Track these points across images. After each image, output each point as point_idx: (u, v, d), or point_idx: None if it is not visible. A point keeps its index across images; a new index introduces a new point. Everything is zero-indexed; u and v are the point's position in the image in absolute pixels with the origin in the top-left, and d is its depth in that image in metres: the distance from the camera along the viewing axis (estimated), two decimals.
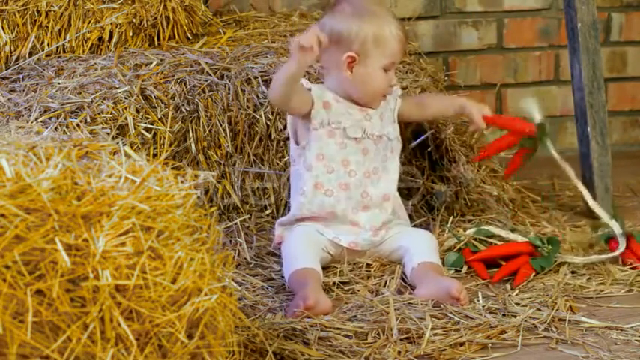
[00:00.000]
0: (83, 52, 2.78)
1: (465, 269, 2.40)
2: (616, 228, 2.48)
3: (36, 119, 2.51)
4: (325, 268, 2.37)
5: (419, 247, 2.36)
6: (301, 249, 2.31)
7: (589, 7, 2.77)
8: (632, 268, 2.39)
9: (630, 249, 2.44)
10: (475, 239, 2.46)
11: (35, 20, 2.76)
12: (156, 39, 2.83)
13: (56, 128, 2.50)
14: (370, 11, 2.38)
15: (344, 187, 2.39)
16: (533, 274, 2.34)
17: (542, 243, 2.41)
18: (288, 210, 2.52)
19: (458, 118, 2.63)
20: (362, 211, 2.40)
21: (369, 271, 2.37)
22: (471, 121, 2.49)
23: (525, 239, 2.44)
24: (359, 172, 2.40)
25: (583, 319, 2.12)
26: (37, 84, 2.66)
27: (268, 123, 2.61)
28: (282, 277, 2.34)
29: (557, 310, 2.14)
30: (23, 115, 2.54)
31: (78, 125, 2.51)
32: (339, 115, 2.40)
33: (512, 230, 2.53)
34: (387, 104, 2.46)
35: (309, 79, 2.57)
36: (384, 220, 2.42)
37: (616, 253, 2.42)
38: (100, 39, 2.78)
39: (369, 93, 2.40)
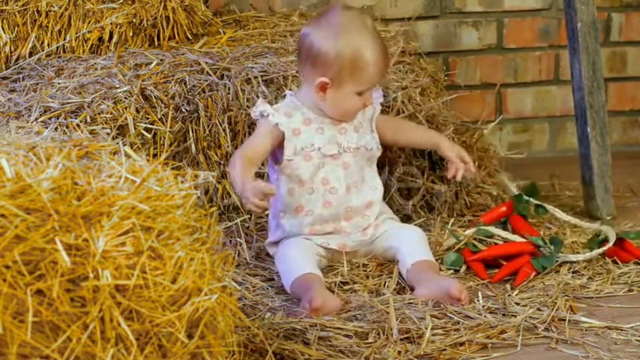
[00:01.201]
0: (83, 52, 2.77)
1: (464, 269, 2.40)
2: (609, 230, 2.49)
3: (36, 119, 2.51)
4: (323, 269, 2.36)
5: (409, 247, 2.35)
6: (297, 257, 2.30)
7: (589, 7, 2.77)
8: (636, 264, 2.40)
9: (624, 248, 2.45)
10: (475, 239, 2.46)
11: (35, 20, 2.76)
12: (156, 39, 2.83)
13: (56, 128, 2.49)
14: (353, 31, 2.29)
15: (327, 204, 2.38)
16: (534, 274, 2.34)
17: (544, 243, 2.40)
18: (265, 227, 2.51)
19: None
20: (345, 221, 2.40)
21: (366, 270, 2.36)
22: (450, 164, 2.48)
23: (525, 239, 2.44)
24: (340, 188, 2.38)
25: (583, 319, 2.12)
26: (37, 84, 2.66)
27: None
28: None
29: (557, 310, 2.14)
30: (23, 115, 2.54)
31: (78, 125, 2.51)
32: (311, 137, 2.36)
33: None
34: (363, 114, 2.42)
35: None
36: (369, 222, 2.42)
37: (607, 246, 2.43)
38: (100, 39, 2.78)
39: (341, 114, 2.37)
